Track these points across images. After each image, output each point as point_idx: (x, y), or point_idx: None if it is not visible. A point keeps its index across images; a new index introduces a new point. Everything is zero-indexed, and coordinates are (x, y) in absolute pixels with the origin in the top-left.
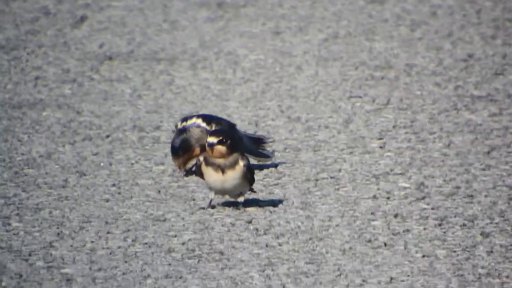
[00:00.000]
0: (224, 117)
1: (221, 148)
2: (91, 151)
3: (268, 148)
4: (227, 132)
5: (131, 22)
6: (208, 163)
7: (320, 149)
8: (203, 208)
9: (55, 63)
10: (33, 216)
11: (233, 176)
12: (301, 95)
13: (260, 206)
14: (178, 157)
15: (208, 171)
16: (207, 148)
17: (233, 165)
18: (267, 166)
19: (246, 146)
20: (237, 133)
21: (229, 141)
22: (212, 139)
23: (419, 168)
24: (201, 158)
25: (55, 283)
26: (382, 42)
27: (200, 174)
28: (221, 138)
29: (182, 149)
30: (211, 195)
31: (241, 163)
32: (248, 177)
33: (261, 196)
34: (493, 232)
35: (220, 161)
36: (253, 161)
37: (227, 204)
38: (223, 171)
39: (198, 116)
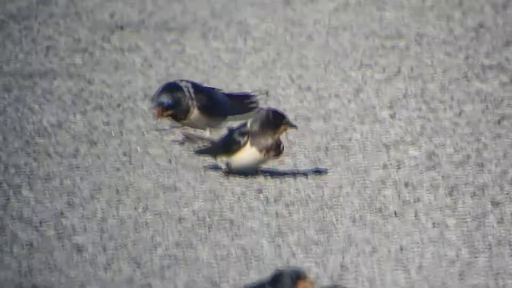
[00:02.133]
0: (235, 86)
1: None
2: (102, 120)
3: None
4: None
5: None
6: (253, 143)
7: (331, 118)
8: (224, 172)
9: (66, 32)
10: (44, 185)
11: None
12: (312, 64)
13: (270, 175)
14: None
15: (251, 150)
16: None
17: (278, 147)
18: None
19: (228, 109)
20: (217, 97)
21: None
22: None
23: (430, 137)
24: (245, 139)
25: (65, 252)
26: (393, 11)
27: (232, 152)
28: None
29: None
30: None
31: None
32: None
33: (271, 165)
34: (504, 201)
35: (268, 143)
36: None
37: (237, 173)
38: (267, 153)
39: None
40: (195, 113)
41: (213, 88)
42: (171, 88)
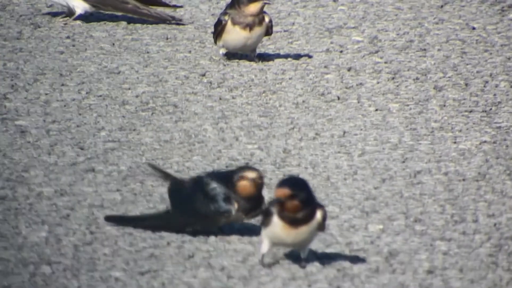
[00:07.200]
0: None
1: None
2: (45, 3)
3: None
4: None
5: None
6: (235, 22)
7: (274, 2)
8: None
9: None
10: None
11: (259, 33)
12: None
13: (213, 59)
14: None
15: (234, 29)
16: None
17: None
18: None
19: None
20: None
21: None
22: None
23: (373, 22)
24: (227, 18)
25: (9, 134)
26: None
27: (220, 33)
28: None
29: None
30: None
31: (267, 20)
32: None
33: (214, 48)
34: (446, 86)
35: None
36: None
37: (181, 58)
38: (250, 29)
39: None
40: None
41: None
42: None
